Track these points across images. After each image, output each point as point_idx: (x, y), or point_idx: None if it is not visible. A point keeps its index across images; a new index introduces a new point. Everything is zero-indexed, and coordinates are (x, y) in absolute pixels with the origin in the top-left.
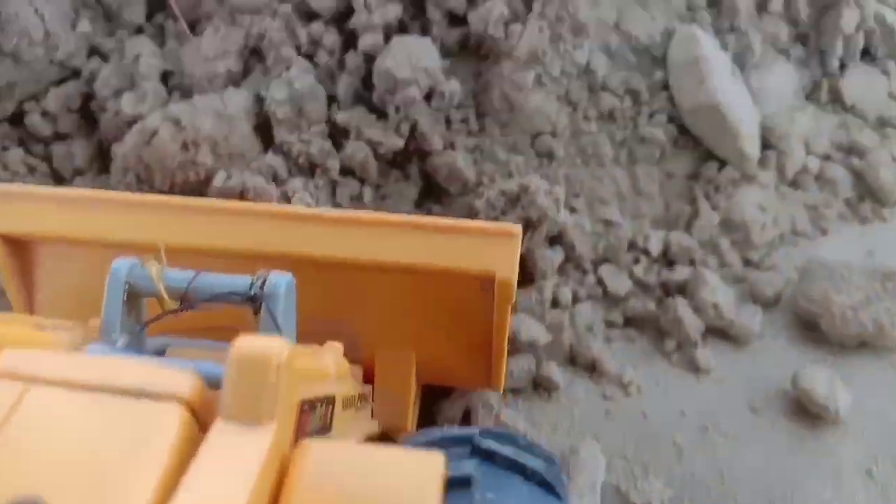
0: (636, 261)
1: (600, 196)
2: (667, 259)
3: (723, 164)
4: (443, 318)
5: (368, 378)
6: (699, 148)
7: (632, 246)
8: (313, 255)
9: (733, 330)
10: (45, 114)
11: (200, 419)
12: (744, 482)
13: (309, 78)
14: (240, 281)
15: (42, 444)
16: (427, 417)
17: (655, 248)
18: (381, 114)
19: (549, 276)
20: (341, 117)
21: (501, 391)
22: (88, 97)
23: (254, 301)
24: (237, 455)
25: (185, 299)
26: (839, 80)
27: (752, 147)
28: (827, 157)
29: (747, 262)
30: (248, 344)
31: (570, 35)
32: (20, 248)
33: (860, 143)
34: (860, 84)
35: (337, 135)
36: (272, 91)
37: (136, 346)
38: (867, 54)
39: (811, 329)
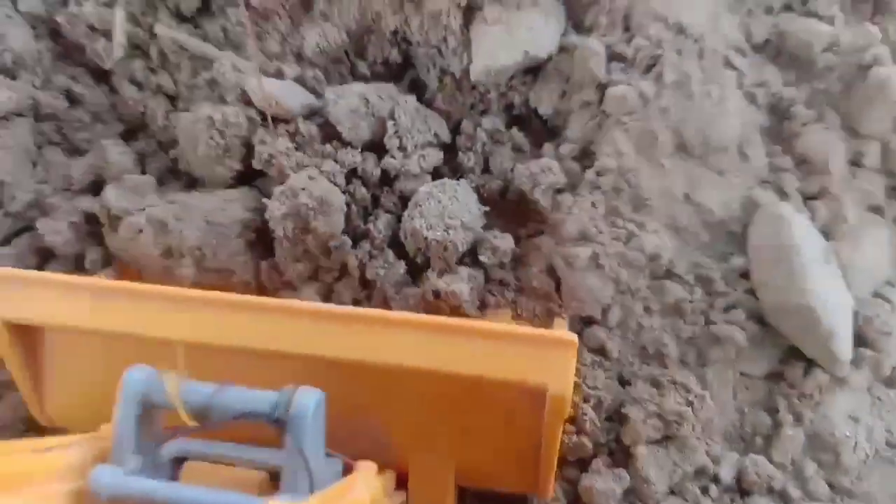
0: (704, 490)
1: (663, 406)
2: (741, 488)
3: (809, 363)
4: (487, 426)
5: (403, 482)
6: (781, 344)
7: (700, 472)
8: (349, 358)
9: None
10: None
11: None
12: None
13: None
14: (263, 398)
15: None
16: None
17: (727, 474)
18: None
19: None
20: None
21: (549, 498)
22: None
23: (279, 423)
24: None
25: (204, 417)
26: None
27: (845, 347)
28: None
29: (834, 488)
30: None
31: (630, 209)
32: (27, 336)
33: None
34: None
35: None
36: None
37: (150, 465)
38: None
39: None
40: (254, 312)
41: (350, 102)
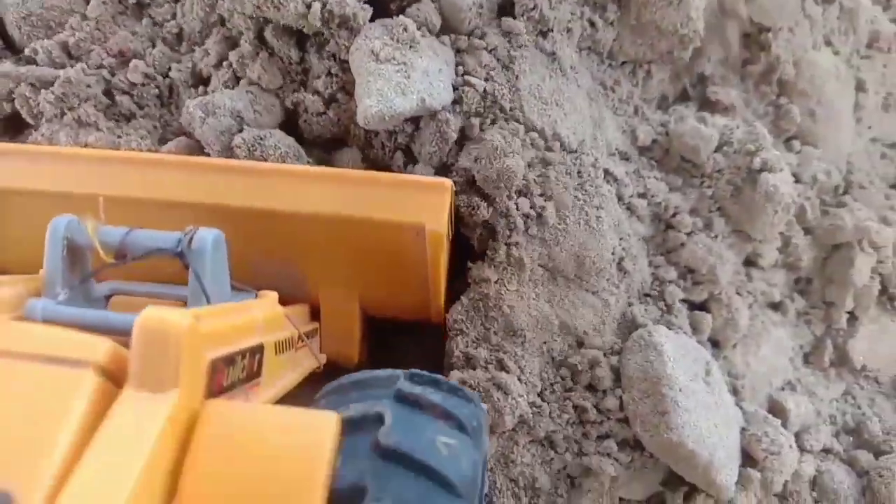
0: None
1: None
2: None
3: (692, 487)
4: (381, 262)
5: (315, 315)
6: (662, 468)
7: None
8: (256, 206)
9: None
10: None
11: (119, 383)
12: None
13: None
14: (169, 237)
15: None
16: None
17: None
18: None
19: None
20: None
21: (442, 323)
22: None
23: (182, 257)
24: (142, 420)
25: (118, 254)
26: (848, 338)
27: (728, 474)
28: (828, 453)
29: None
30: (149, 316)
31: (506, 341)
32: None
33: (871, 430)
34: (874, 338)
35: None
36: None
37: (80, 298)
38: (884, 294)
39: None
40: (169, 168)
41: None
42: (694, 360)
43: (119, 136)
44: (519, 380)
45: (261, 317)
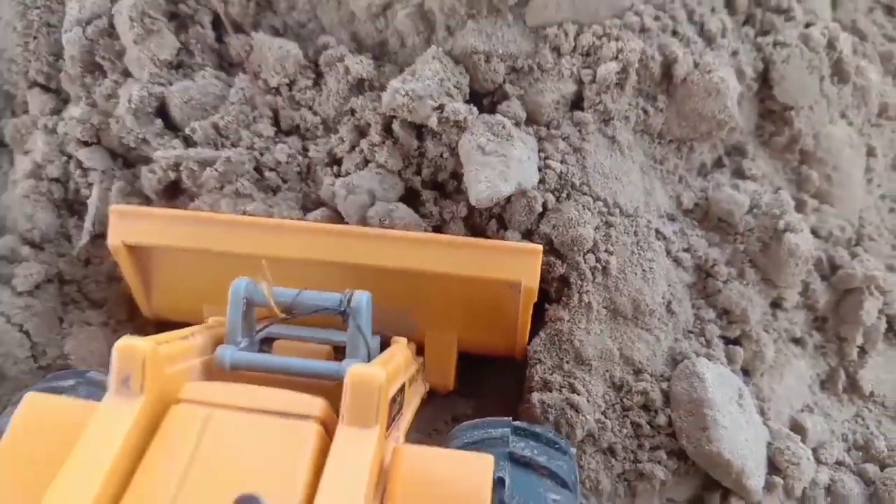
0: None
1: None
2: None
3: (726, 490)
4: (480, 310)
5: (420, 351)
6: (702, 474)
7: None
8: (387, 265)
9: None
10: None
11: (328, 428)
12: None
13: None
14: (332, 297)
15: (228, 453)
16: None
17: None
18: None
19: None
20: None
21: (523, 359)
22: None
23: (343, 314)
24: (360, 448)
25: (290, 312)
26: (859, 369)
27: (757, 480)
28: (840, 465)
29: None
30: (359, 372)
31: (576, 369)
32: (141, 255)
33: (878, 447)
34: (880, 367)
35: None
36: None
37: (251, 345)
38: (890, 331)
39: None
40: (313, 234)
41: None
42: (729, 386)
43: (271, 206)
44: (587, 401)
45: (402, 360)
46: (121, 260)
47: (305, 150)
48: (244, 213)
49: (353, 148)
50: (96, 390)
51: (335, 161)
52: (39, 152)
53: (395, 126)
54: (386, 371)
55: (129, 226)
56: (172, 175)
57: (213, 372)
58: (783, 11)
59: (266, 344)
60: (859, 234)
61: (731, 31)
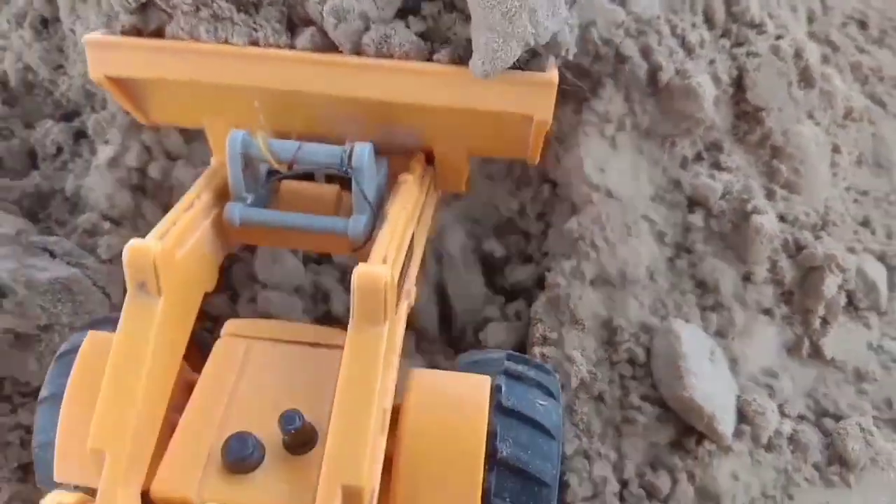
0: None
1: (593, 475)
2: None
3: (701, 435)
4: (494, 131)
5: (430, 159)
6: (680, 422)
7: None
8: (389, 100)
9: None
10: None
11: None
12: None
13: None
14: (332, 152)
15: (269, 377)
16: None
17: None
18: None
19: None
20: None
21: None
22: None
23: (345, 173)
24: (370, 348)
25: (290, 166)
26: (821, 337)
27: (727, 425)
28: (802, 418)
29: None
30: (364, 273)
31: (572, 328)
32: (127, 81)
33: (836, 404)
34: (841, 338)
35: None
36: None
37: (258, 198)
38: (850, 304)
39: None
40: (305, 64)
41: None
42: (702, 344)
43: (255, 30)
44: (581, 354)
45: (410, 212)
46: (106, 87)
47: None
48: (225, 41)
49: None
50: None
51: None
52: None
53: None
54: (391, 265)
55: (109, 57)
56: None
57: (224, 229)
58: (756, 26)
59: (274, 194)
60: (824, 220)
61: (709, 42)
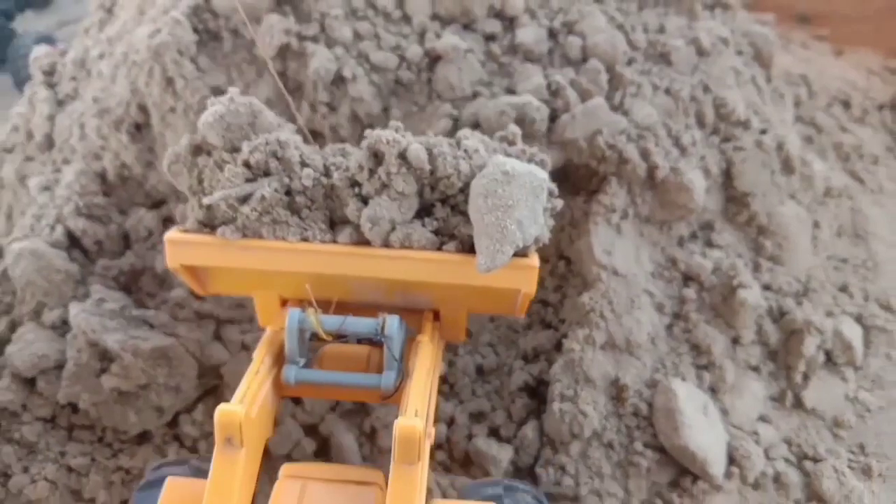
0: None
1: None
2: None
3: (695, 476)
4: (488, 298)
5: (436, 316)
6: (678, 464)
7: None
8: (409, 280)
9: None
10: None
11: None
12: None
13: None
14: (369, 324)
15: None
16: None
17: None
18: None
19: None
20: None
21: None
22: None
23: (379, 341)
24: (409, 481)
25: (336, 337)
26: (802, 390)
27: (718, 468)
28: (785, 461)
29: None
30: (403, 426)
31: (586, 386)
32: (197, 272)
33: (814, 447)
34: (820, 390)
35: None
36: None
37: (308, 361)
38: (829, 360)
39: None
40: (346, 256)
41: None
42: (697, 400)
43: (305, 229)
44: (593, 409)
45: (430, 366)
46: (180, 273)
47: (327, 171)
48: (283, 238)
49: (371, 174)
50: (201, 473)
51: (355, 183)
52: None
53: (409, 153)
54: (423, 417)
55: (185, 251)
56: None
57: (281, 386)
58: (742, 123)
59: (319, 357)
60: (805, 287)
61: (700, 140)
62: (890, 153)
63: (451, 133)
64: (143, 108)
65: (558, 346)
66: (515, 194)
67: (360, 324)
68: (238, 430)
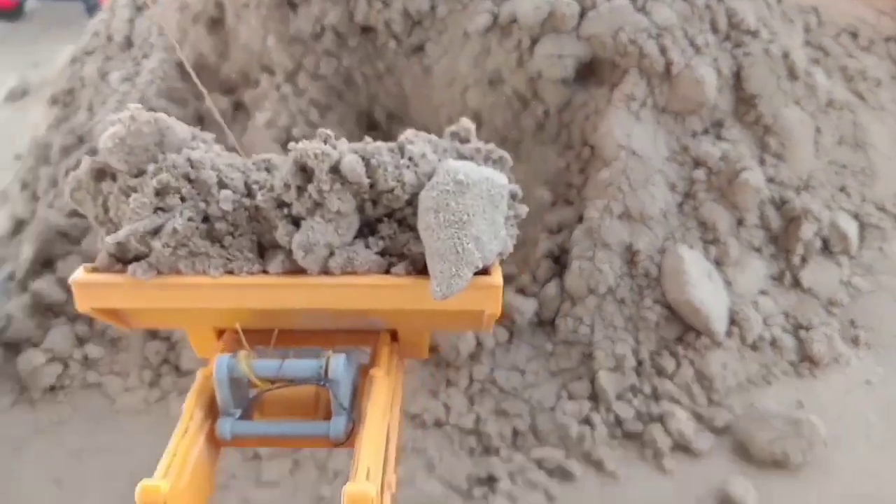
0: (634, 396)
1: (618, 352)
2: (656, 396)
3: (699, 333)
4: (450, 320)
5: (394, 335)
6: (683, 323)
7: (636, 389)
8: (355, 308)
9: (692, 447)
10: None
11: None
12: None
13: None
14: (310, 367)
15: None
16: None
17: (647, 389)
18: None
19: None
20: None
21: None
22: None
23: (323, 383)
24: None
25: (272, 382)
26: (800, 271)
27: (720, 326)
28: (781, 328)
29: (711, 402)
30: (352, 492)
31: (602, 253)
32: (116, 311)
33: (809, 320)
34: (816, 272)
35: None
36: None
37: (245, 410)
38: (826, 248)
39: (744, 450)
40: (280, 288)
41: None
42: (702, 266)
43: (230, 261)
44: (609, 268)
45: (385, 400)
46: (92, 315)
47: (250, 191)
48: (204, 272)
49: (300, 193)
50: None
51: (283, 203)
52: (271, 110)
53: (343, 167)
54: (377, 476)
55: (94, 294)
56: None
57: (217, 442)
58: (751, 32)
59: (257, 403)
60: (806, 184)
61: (713, 45)
62: (894, 81)
63: (491, 28)
64: (219, 5)
65: (580, 221)
66: (471, 206)
67: (300, 367)
68: None
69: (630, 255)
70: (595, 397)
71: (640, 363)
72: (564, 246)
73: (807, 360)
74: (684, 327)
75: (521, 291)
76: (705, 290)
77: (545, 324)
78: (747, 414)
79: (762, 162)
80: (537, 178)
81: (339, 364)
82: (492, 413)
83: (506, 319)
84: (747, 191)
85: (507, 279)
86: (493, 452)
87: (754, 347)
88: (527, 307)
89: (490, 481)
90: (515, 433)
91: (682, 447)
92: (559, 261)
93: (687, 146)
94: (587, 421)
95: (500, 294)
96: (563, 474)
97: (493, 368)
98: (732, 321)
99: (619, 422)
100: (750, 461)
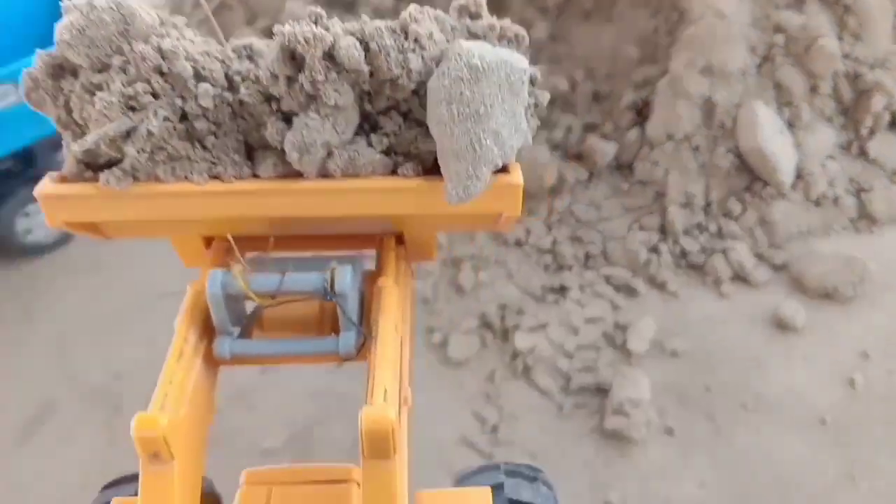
0: (700, 233)
1: (689, 191)
2: (720, 234)
3: (765, 183)
4: (464, 221)
5: (400, 240)
6: (752, 171)
7: (703, 227)
8: (361, 213)
9: (750, 277)
10: None
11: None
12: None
13: None
14: (314, 280)
15: None
16: None
17: (713, 228)
18: None
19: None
20: None
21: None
22: None
23: (329, 297)
24: (383, 481)
25: (272, 298)
26: (867, 142)
27: (786, 178)
28: (846, 190)
29: (771, 244)
30: (370, 417)
31: (682, 97)
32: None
33: (871, 186)
34: (883, 144)
35: None
36: None
37: (246, 328)
38: (894, 124)
39: (798, 283)
40: (272, 194)
41: None
42: (775, 123)
43: (214, 164)
44: (689, 117)
45: (396, 312)
46: (66, 228)
47: (231, 83)
48: (186, 178)
49: (290, 84)
50: None
51: (271, 97)
52: None
53: (339, 52)
54: (394, 395)
55: (64, 208)
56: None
57: (216, 361)
58: None
59: (258, 318)
60: (881, 63)
61: None
62: None
63: None
64: None
65: (663, 76)
66: (488, 96)
67: (303, 281)
68: (163, 443)
69: (708, 107)
70: (664, 230)
71: (708, 204)
72: (647, 100)
73: (866, 217)
74: (752, 177)
75: (604, 137)
76: (776, 143)
77: (623, 167)
78: (804, 255)
79: (840, 38)
80: (627, 37)
81: (345, 276)
82: (567, 238)
83: (587, 161)
84: (823, 57)
85: (591, 127)
86: (566, 269)
87: (817, 203)
88: (608, 150)
89: (562, 290)
90: (588, 256)
91: (741, 277)
92: (641, 113)
93: (769, 14)
94: (655, 250)
95: (520, 195)
96: (628, 290)
97: (571, 202)
98: (798, 176)
99: (684, 253)
100: (803, 292)
